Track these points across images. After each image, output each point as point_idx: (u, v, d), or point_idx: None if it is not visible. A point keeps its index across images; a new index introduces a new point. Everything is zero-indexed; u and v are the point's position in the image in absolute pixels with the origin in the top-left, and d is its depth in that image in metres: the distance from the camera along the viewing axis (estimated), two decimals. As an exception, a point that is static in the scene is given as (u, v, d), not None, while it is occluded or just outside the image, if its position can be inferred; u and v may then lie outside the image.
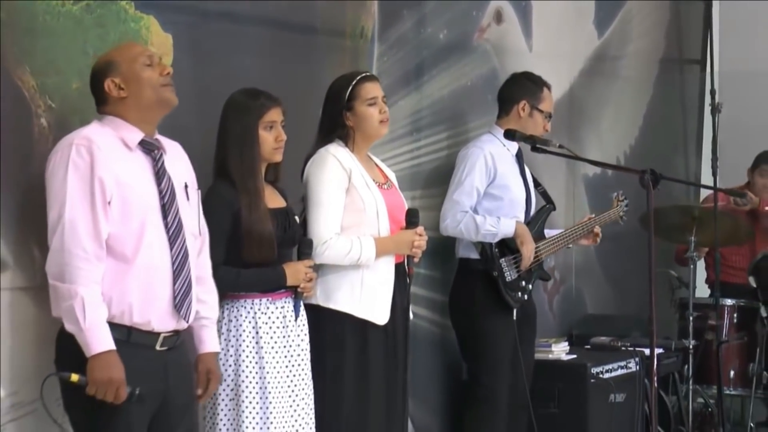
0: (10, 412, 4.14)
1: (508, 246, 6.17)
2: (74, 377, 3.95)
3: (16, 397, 4.15)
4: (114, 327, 4.06)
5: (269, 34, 5.46)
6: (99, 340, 3.98)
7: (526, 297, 6.24)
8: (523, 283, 6.21)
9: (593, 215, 6.64)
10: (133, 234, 4.11)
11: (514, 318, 6.17)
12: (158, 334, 4.18)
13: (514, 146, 6.31)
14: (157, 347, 4.19)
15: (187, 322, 4.28)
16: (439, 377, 6.47)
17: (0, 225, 4.20)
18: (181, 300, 4.21)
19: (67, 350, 4.03)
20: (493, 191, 6.21)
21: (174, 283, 4.19)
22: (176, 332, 4.26)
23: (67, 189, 4.00)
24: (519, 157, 6.36)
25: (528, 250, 6.14)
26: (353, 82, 5.21)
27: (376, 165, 5.41)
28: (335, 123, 5.22)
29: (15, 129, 4.28)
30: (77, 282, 3.98)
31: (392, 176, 5.45)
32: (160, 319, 4.18)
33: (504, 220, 6.13)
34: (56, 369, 4.08)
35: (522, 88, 6.37)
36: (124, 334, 4.10)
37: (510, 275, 6.16)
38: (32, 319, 4.20)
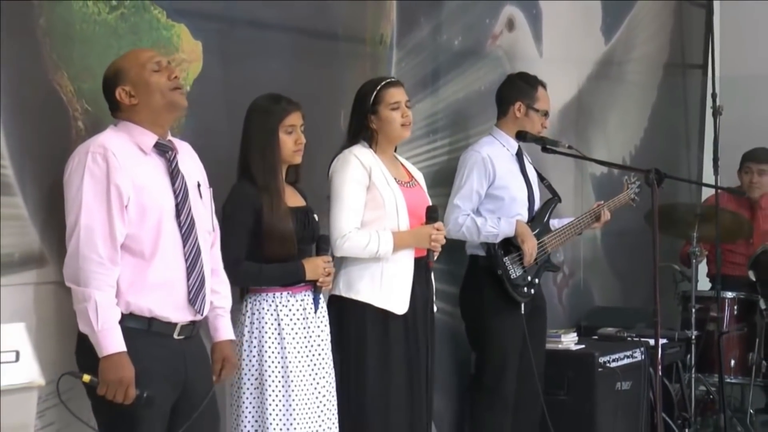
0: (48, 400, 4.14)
1: (512, 243, 6.15)
2: (86, 377, 3.96)
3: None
4: (134, 318, 4.11)
5: (293, 40, 5.46)
6: (111, 342, 4.01)
7: (533, 291, 6.21)
8: (529, 278, 6.19)
9: (602, 202, 6.59)
10: (149, 234, 4.13)
11: (522, 312, 6.17)
12: (176, 324, 4.21)
13: (513, 146, 6.31)
14: (175, 336, 4.21)
15: (202, 315, 4.30)
16: (452, 366, 6.47)
17: (39, 222, 4.23)
18: (195, 295, 4.23)
19: (87, 342, 4.06)
20: (493, 192, 6.19)
21: (188, 279, 4.21)
22: (193, 323, 4.28)
23: (83, 195, 4.02)
24: (519, 156, 6.35)
25: (529, 247, 6.12)
26: (378, 87, 5.25)
27: (402, 165, 5.42)
28: (361, 125, 5.26)
29: (54, 131, 4.31)
30: (91, 285, 4.00)
31: (418, 176, 5.48)
32: (177, 312, 4.21)
33: (504, 220, 6.11)
34: (76, 359, 4.11)
35: (516, 89, 6.34)
36: (144, 324, 4.13)
37: (514, 272, 6.15)
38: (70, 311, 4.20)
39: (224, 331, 4.49)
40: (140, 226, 4.11)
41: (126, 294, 4.09)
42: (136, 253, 4.11)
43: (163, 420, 4.18)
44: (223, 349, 4.48)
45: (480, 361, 6.31)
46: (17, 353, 2.93)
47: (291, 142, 4.78)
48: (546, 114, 6.36)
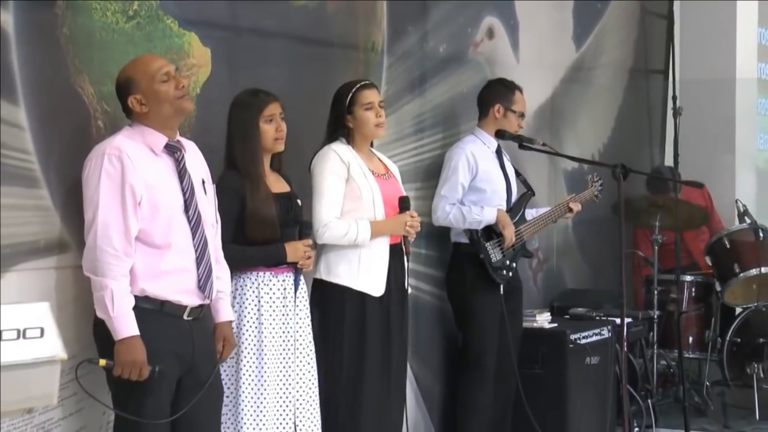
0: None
1: (493, 231, 6.17)
2: (102, 362, 3.98)
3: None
4: (148, 300, 4.12)
5: (293, 47, 5.45)
6: (125, 327, 4.02)
7: (510, 274, 6.23)
8: (507, 262, 6.21)
9: (574, 195, 6.63)
10: (161, 227, 4.14)
11: (501, 293, 6.18)
12: (186, 306, 4.22)
13: (493, 144, 6.32)
14: (185, 317, 4.22)
15: (210, 299, 4.31)
16: (440, 343, 6.46)
17: (62, 212, 4.23)
18: (204, 281, 4.24)
19: (104, 326, 4.07)
20: (476, 185, 6.20)
21: (198, 268, 4.22)
22: (201, 306, 4.29)
23: (100, 194, 4.03)
24: (499, 153, 6.35)
25: (509, 233, 6.15)
26: (353, 90, 5.23)
27: (379, 159, 5.41)
28: (338, 124, 5.24)
29: (76, 130, 4.31)
30: (107, 276, 4.01)
31: (394, 169, 5.45)
32: (187, 296, 4.22)
33: (487, 208, 6.13)
34: (95, 341, 4.12)
35: (495, 93, 6.36)
36: (157, 305, 4.14)
37: (495, 256, 6.16)
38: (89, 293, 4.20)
39: (224, 312, 4.50)
40: (152, 221, 4.12)
41: (141, 280, 4.10)
42: (149, 244, 4.12)
43: (169, 393, 4.19)
44: (223, 329, 4.49)
45: (464, 338, 6.31)
46: (42, 330, 2.93)
47: (272, 130, 4.74)
48: (522, 115, 6.38)
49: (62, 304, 4.17)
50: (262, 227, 4.68)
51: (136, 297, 4.08)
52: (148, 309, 4.11)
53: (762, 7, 9.69)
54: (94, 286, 4.04)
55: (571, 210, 6.48)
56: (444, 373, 6.48)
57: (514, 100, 6.34)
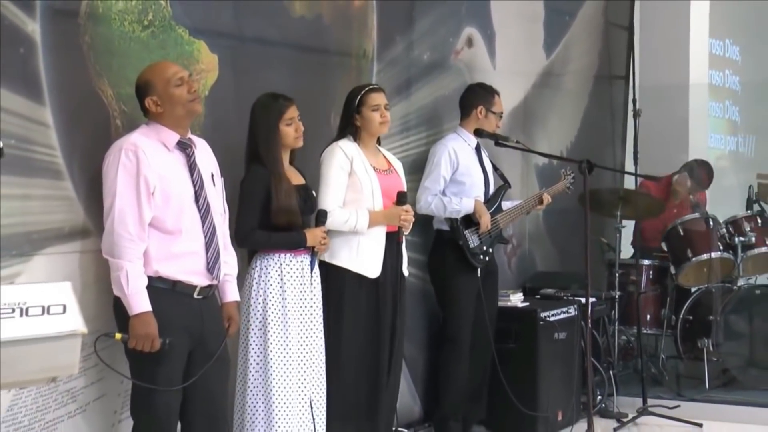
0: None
1: (471, 220, 6.16)
2: (117, 336, 3.98)
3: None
4: (163, 280, 4.13)
5: (292, 54, 5.44)
6: (139, 303, 4.03)
7: (487, 259, 6.22)
8: (484, 247, 6.20)
9: (545, 189, 6.62)
10: (173, 215, 4.14)
11: (478, 275, 6.17)
12: (196, 286, 4.22)
13: (473, 141, 6.31)
14: (195, 296, 4.23)
15: (218, 280, 4.32)
16: (423, 321, 6.45)
17: (84, 202, 4.21)
18: (212, 264, 4.25)
19: (121, 303, 4.08)
20: (457, 178, 6.20)
21: (207, 252, 4.23)
22: (210, 286, 4.29)
23: (117, 185, 4.04)
24: (478, 149, 6.35)
25: (485, 221, 6.14)
26: (362, 92, 5.28)
27: (384, 156, 5.43)
28: (347, 123, 5.29)
29: (97, 128, 4.30)
30: (123, 258, 4.02)
31: (397, 165, 5.50)
32: (197, 276, 4.23)
33: (465, 199, 6.13)
34: (114, 316, 4.12)
35: (478, 96, 6.35)
36: (170, 285, 4.15)
37: (473, 242, 6.16)
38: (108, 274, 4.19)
39: (231, 293, 4.51)
40: (165, 209, 4.12)
41: (154, 262, 4.11)
42: (162, 230, 4.13)
43: (181, 363, 4.20)
44: (229, 308, 4.50)
45: (444, 316, 6.31)
46: (64, 306, 2.93)
47: (292, 131, 4.80)
48: (500, 115, 6.38)
49: (85, 285, 4.18)
50: (288, 216, 4.74)
51: (150, 277, 4.09)
52: (162, 288, 4.12)
53: (713, 21, 9.71)
54: (111, 267, 4.05)
55: (541, 202, 6.48)
56: (427, 348, 6.48)
57: (494, 102, 6.35)
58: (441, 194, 6.13)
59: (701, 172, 8.42)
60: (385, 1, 6.05)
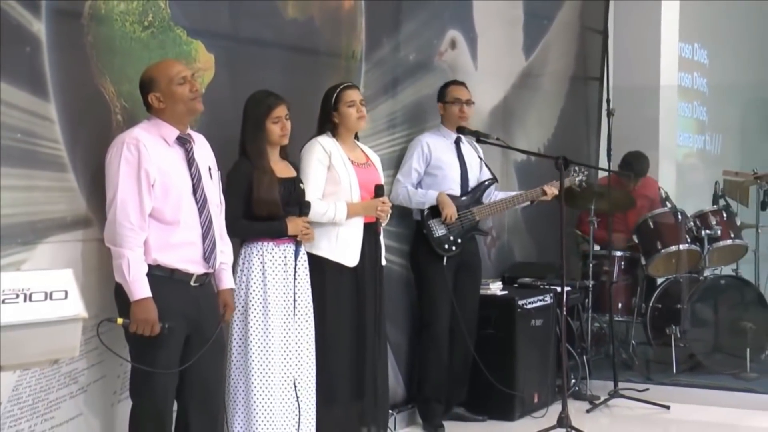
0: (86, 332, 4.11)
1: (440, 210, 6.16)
2: (119, 320, 3.97)
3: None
4: (161, 269, 4.11)
5: (285, 55, 5.43)
6: (139, 290, 4.02)
7: (455, 249, 6.17)
8: (452, 237, 6.16)
9: (553, 182, 6.33)
10: (172, 207, 4.13)
11: (444, 264, 6.12)
12: (193, 274, 4.21)
13: (452, 137, 6.30)
14: (192, 283, 4.21)
15: (213, 268, 4.31)
16: (407, 308, 6.45)
17: (86, 193, 4.20)
18: (209, 253, 4.24)
19: (122, 290, 4.07)
20: (429, 170, 6.21)
21: (204, 242, 4.22)
22: (206, 274, 4.28)
23: (119, 177, 4.02)
24: (458, 144, 6.33)
25: (447, 212, 6.10)
26: (338, 90, 5.27)
27: (362, 150, 5.40)
28: (326, 120, 5.28)
29: (99, 123, 4.28)
30: (125, 246, 4.01)
31: (374, 158, 5.47)
32: (194, 265, 4.21)
33: (430, 191, 6.13)
34: (115, 302, 4.11)
35: (438, 95, 6.39)
36: (168, 273, 4.14)
37: (437, 231, 6.14)
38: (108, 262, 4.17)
39: (226, 281, 4.50)
40: (164, 200, 4.11)
41: (154, 251, 4.10)
42: (161, 221, 4.12)
43: (178, 347, 4.19)
44: (225, 295, 4.49)
45: (420, 302, 6.32)
46: (66, 292, 2.92)
47: (277, 129, 4.80)
48: (456, 101, 6.31)
49: (87, 272, 4.17)
50: (268, 207, 4.72)
51: (149, 266, 4.08)
52: (160, 276, 4.11)
53: (682, 26, 9.72)
54: (113, 255, 4.05)
55: (545, 193, 6.41)
56: (410, 333, 6.48)
57: (447, 92, 6.34)
58: (414, 186, 6.14)
59: (638, 164, 8.29)
60: (373, 2, 6.04)
